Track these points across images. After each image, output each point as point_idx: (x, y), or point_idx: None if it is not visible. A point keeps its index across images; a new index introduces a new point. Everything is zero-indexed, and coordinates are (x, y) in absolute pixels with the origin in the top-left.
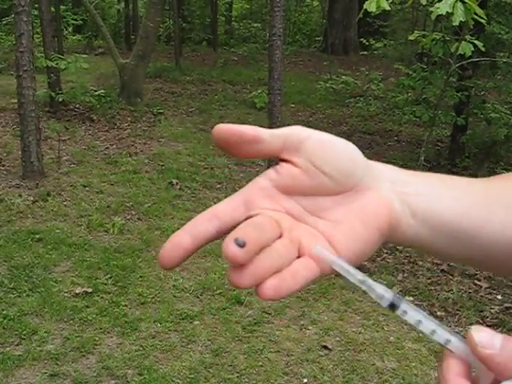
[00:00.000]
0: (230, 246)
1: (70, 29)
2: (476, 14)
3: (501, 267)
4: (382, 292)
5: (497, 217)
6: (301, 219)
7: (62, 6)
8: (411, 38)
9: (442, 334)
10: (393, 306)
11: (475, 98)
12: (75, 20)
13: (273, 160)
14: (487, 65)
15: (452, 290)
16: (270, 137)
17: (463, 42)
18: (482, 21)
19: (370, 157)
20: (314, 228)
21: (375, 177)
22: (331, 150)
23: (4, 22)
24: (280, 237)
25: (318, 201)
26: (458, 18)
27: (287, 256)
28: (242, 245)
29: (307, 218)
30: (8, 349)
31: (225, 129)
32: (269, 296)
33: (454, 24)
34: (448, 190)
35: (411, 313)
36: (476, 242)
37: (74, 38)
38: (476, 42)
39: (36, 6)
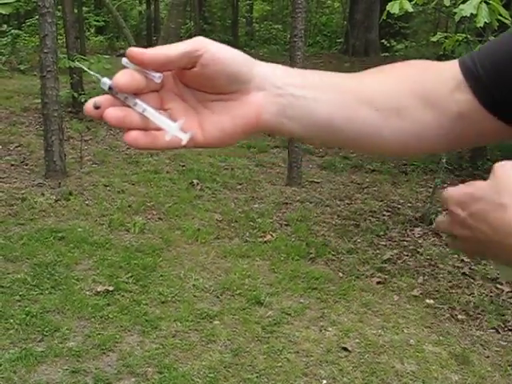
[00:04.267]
0: (87, 105)
1: (93, 30)
2: (500, 15)
3: (359, 149)
4: (105, 80)
5: (360, 115)
6: (188, 103)
7: (84, 8)
8: (434, 39)
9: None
10: (111, 89)
11: None
12: (97, 21)
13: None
14: None
15: (473, 293)
16: (176, 57)
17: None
18: (507, 21)
19: (391, 160)
20: (193, 109)
21: (260, 82)
22: (223, 60)
23: (28, 24)
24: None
25: (206, 95)
26: (483, 19)
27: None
28: (96, 107)
29: (194, 104)
30: (30, 345)
31: (138, 53)
32: (129, 143)
33: (478, 25)
34: (323, 94)
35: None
36: (342, 134)
37: (96, 39)
38: None
39: (59, 7)
